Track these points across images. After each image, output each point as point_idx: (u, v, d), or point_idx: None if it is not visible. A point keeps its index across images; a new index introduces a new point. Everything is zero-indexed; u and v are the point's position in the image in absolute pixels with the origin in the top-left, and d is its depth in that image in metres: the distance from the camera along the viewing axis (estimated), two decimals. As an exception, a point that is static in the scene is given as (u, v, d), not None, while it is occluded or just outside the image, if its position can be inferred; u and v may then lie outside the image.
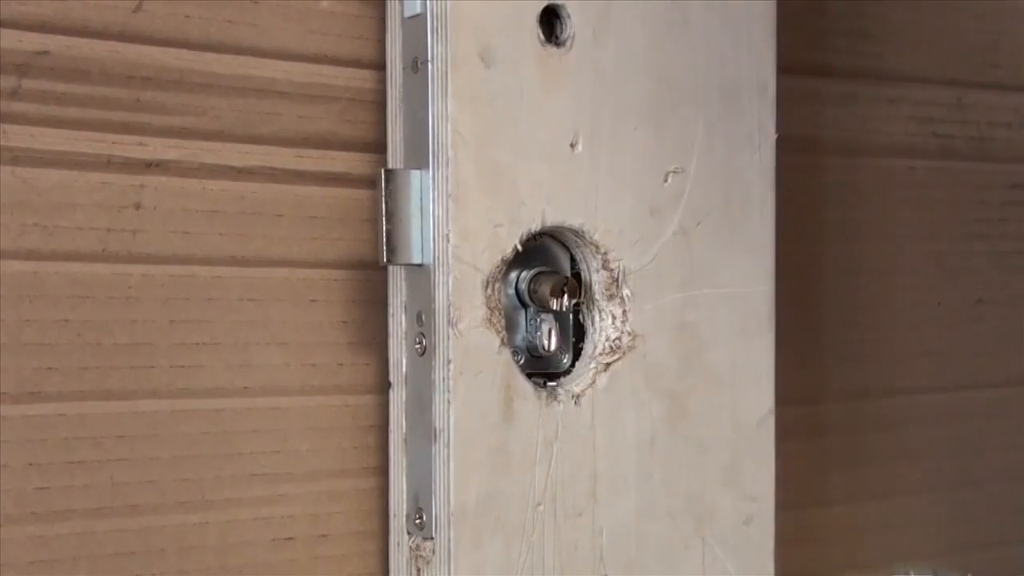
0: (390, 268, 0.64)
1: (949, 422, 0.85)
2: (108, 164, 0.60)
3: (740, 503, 0.69)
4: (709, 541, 0.68)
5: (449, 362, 0.61)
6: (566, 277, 0.64)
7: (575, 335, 0.66)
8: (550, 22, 0.63)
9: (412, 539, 0.63)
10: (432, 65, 0.61)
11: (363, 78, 0.65)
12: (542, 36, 0.63)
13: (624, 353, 0.66)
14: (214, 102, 0.62)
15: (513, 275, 0.64)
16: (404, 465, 0.64)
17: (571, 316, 0.66)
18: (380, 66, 0.64)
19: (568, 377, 0.65)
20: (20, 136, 0.58)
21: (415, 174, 0.61)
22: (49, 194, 0.58)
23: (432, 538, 0.62)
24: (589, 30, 0.64)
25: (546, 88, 0.63)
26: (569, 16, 0.63)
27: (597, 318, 0.66)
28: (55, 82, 0.58)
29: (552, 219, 0.63)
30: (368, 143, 0.65)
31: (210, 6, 0.61)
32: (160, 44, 0.60)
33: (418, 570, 0.63)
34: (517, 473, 0.63)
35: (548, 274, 0.64)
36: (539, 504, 0.63)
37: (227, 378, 0.62)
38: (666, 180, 0.66)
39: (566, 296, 0.63)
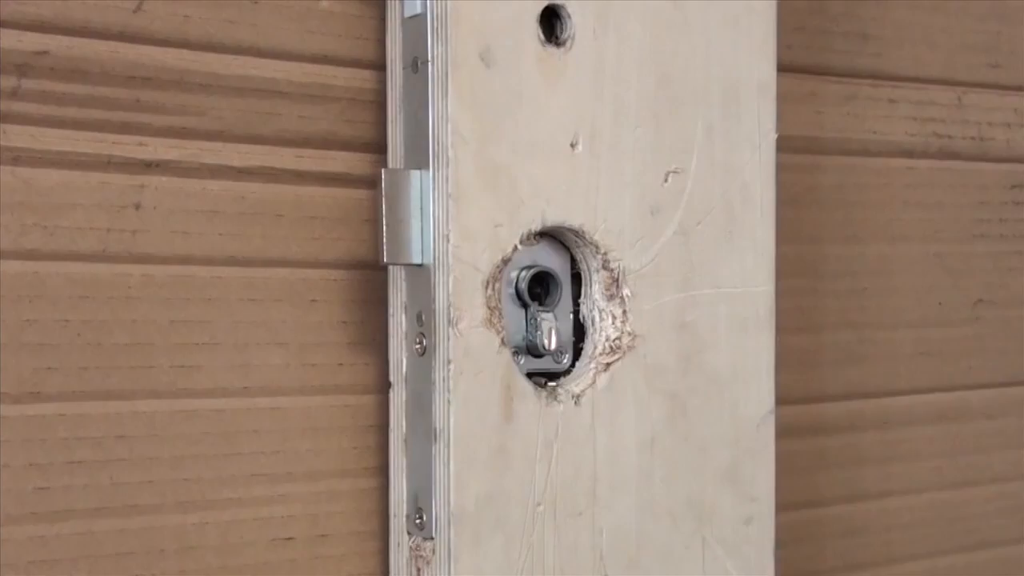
0: (390, 268, 0.64)
1: (949, 422, 0.85)
2: (108, 164, 0.60)
3: (740, 503, 0.69)
4: (709, 541, 0.68)
5: (449, 362, 0.61)
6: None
7: (575, 335, 0.66)
8: (550, 22, 0.63)
9: (412, 539, 0.63)
10: (432, 65, 0.61)
11: (363, 78, 0.65)
12: (542, 36, 0.63)
13: (624, 353, 0.66)
14: (214, 102, 0.62)
15: (513, 275, 0.64)
16: (404, 465, 0.64)
17: (571, 316, 0.66)
18: (380, 66, 0.64)
19: (568, 377, 0.65)
20: (20, 136, 0.58)
21: (415, 174, 0.61)
22: (49, 194, 0.58)
23: (432, 538, 0.62)
24: (589, 30, 0.64)
25: (546, 88, 0.63)
26: (569, 16, 0.63)
27: (597, 318, 0.66)
28: (55, 82, 0.58)
29: (552, 219, 0.63)
30: (368, 143, 0.65)
31: (210, 6, 0.61)
32: (160, 44, 0.60)
33: (418, 570, 0.63)
34: (517, 473, 0.63)
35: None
36: (539, 504, 0.63)
37: (227, 378, 0.62)
38: (666, 180, 0.66)
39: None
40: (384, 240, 0.61)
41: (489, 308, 0.62)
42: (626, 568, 0.66)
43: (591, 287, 0.66)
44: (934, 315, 0.84)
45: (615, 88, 0.64)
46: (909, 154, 0.83)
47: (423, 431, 0.62)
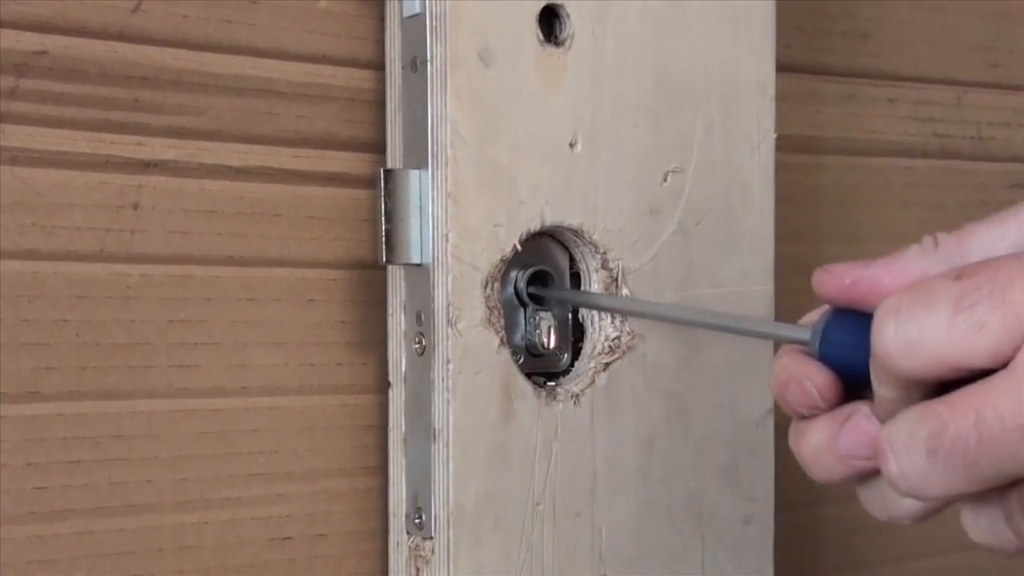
0: (389, 268, 0.64)
1: (949, 422, 0.85)
2: (106, 164, 0.59)
3: (739, 502, 0.69)
4: (708, 541, 0.68)
5: (448, 362, 0.61)
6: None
7: (574, 334, 0.66)
8: (549, 21, 0.63)
9: (411, 539, 0.63)
10: (431, 65, 0.61)
11: (362, 78, 0.65)
12: (541, 36, 0.63)
13: (624, 353, 0.66)
14: (212, 102, 0.61)
15: (512, 274, 0.64)
16: (403, 465, 0.64)
17: (570, 315, 0.66)
18: (379, 66, 0.64)
19: (567, 377, 0.65)
20: (18, 136, 0.58)
21: (414, 174, 0.61)
22: (47, 194, 0.58)
23: (431, 538, 0.62)
24: (588, 29, 0.64)
25: (545, 88, 0.63)
26: (568, 16, 0.63)
27: (596, 317, 0.66)
28: (53, 82, 0.58)
29: (551, 218, 0.63)
30: (367, 143, 0.65)
31: (208, 6, 0.61)
32: (158, 44, 0.60)
33: (417, 570, 0.63)
34: (516, 473, 0.63)
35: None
36: (538, 504, 0.63)
37: (225, 378, 0.62)
38: (665, 179, 0.66)
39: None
40: (383, 240, 0.61)
41: (488, 307, 0.62)
42: (625, 568, 0.66)
43: (590, 286, 0.65)
44: (934, 315, 0.84)
45: (614, 88, 0.64)
46: (908, 154, 0.83)
47: (422, 431, 0.62)
